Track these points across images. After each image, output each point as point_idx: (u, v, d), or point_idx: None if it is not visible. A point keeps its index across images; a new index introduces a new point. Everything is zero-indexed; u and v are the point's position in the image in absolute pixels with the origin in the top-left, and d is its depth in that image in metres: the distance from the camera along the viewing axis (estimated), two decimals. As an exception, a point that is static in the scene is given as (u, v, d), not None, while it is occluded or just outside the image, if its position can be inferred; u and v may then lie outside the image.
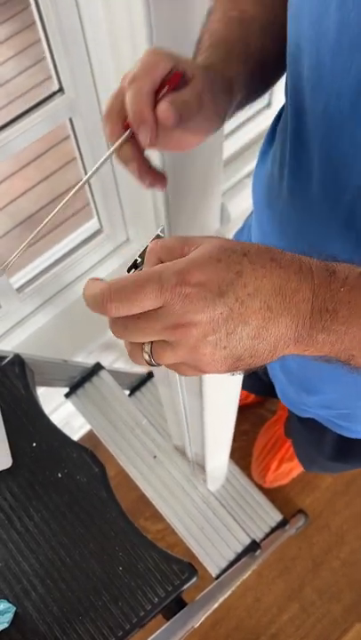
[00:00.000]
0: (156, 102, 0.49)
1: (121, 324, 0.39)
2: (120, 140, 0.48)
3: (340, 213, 0.57)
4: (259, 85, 0.62)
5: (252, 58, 0.58)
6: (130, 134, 0.48)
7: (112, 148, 0.49)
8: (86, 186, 1.26)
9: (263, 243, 0.41)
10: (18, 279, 1.30)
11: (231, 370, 0.41)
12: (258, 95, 0.63)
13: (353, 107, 0.49)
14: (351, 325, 0.39)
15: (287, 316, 0.38)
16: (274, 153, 0.69)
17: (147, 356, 0.40)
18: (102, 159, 0.48)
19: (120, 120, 0.50)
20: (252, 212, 0.85)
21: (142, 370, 1.38)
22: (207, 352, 0.38)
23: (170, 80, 0.48)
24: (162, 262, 0.40)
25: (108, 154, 0.48)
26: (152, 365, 0.41)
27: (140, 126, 0.48)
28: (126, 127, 0.49)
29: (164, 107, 0.48)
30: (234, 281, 0.37)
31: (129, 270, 0.44)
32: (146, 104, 0.48)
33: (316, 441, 1.06)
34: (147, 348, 0.40)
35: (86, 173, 1.21)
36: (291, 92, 0.58)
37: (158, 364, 0.41)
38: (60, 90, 1.01)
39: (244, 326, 0.38)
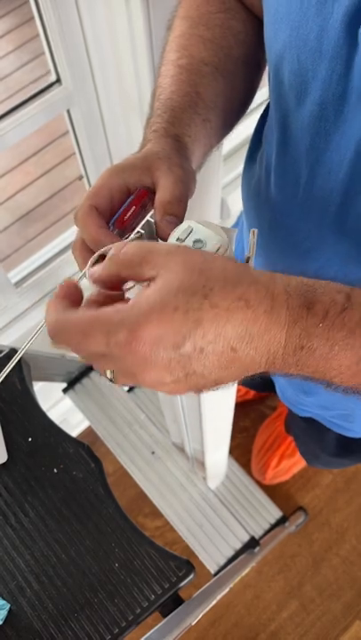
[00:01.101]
0: (122, 222, 0.47)
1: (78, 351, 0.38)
2: (88, 265, 0.46)
3: (328, 221, 0.56)
4: (221, 127, 0.59)
5: (205, 105, 0.56)
6: (98, 257, 0.46)
7: (82, 272, 0.47)
8: (85, 177, 1.25)
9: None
10: (16, 274, 1.29)
11: (197, 392, 0.40)
12: (226, 131, 0.61)
13: (338, 115, 0.48)
14: (330, 360, 0.37)
15: (255, 354, 0.36)
16: (260, 156, 0.68)
17: (109, 375, 0.39)
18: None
19: (84, 248, 0.48)
20: None
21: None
22: (167, 388, 0.38)
23: (135, 199, 0.47)
24: (121, 278, 0.38)
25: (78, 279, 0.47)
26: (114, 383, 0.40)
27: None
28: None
29: (164, 226, 0.45)
30: (192, 331, 0.34)
31: None
32: (96, 230, 0.46)
33: (317, 438, 1.05)
34: (108, 374, 0.39)
35: (85, 168, 1.20)
36: (275, 98, 0.57)
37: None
38: (58, 81, 1.00)
39: (204, 368, 0.36)
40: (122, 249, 0.38)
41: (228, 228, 0.43)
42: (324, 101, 0.48)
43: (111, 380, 0.39)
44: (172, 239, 0.43)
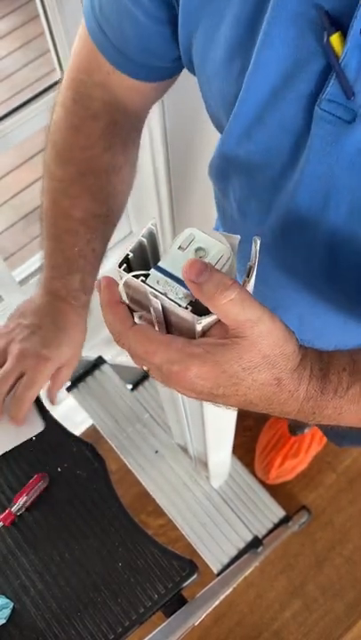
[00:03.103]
0: None
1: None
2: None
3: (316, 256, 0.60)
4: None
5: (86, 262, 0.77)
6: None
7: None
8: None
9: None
10: (20, 272, 1.29)
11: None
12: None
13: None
14: (340, 419, 0.46)
15: (270, 410, 0.45)
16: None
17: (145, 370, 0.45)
18: None
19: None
20: None
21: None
22: (194, 395, 0.44)
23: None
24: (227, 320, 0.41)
25: None
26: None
27: None
28: None
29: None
30: (228, 386, 0.41)
31: (120, 265, 0.42)
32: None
33: None
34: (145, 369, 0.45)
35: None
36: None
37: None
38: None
39: (225, 401, 0.44)
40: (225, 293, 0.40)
41: (229, 235, 0.42)
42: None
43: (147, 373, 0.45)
44: (174, 247, 0.41)
